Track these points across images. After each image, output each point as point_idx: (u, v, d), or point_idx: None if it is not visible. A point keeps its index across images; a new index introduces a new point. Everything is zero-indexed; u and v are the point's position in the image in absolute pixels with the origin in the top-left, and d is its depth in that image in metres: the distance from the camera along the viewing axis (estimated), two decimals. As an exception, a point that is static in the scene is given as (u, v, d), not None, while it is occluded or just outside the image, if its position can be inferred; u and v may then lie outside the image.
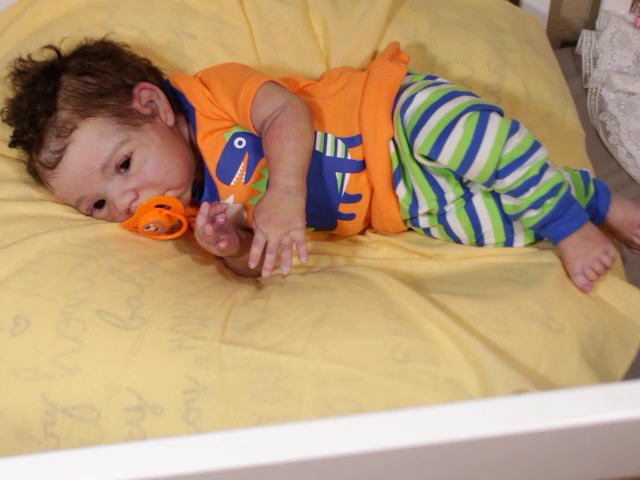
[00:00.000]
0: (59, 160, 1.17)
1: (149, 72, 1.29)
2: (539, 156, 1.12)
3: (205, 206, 1.15)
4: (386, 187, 1.23)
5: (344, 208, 1.26)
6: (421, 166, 1.19)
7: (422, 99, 1.16)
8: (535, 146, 1.12)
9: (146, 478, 0.72)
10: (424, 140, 1.14)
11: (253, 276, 1.23)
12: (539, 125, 1.41)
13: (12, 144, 1.25)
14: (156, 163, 1.19)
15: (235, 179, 1.24)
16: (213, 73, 1.27)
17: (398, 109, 1.19)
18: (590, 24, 1.83)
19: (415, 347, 1.03)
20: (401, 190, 1.23)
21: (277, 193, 1.13)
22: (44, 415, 1.02)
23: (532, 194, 1.12)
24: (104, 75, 1.22)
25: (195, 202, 1.27)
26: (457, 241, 1.24)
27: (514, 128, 1.13)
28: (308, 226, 1.22)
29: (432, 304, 1.07)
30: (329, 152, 1.23)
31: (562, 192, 1.12)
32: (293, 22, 1.43)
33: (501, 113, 1.17)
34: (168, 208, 1.20)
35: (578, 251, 1.13)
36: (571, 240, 1.14)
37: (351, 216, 1.27)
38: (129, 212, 1.19)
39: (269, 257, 1.11)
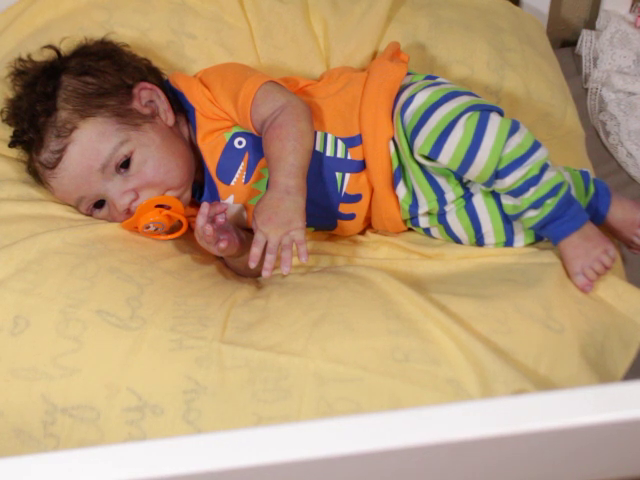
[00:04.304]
0: (59, 160, 1.17)
1: (149, 72, 1.29)
2: (539, 156, 1.12)
3: (205, 206, 1.16)
4: (386, 187, 1.23)
5: (344, 208, 1.26)
6: (421, 166, 1.19)
7: (422, 99, 1.16)
8: (535, 146, 1.12)
9: (146, 478, 0.72)
10: (424, 140, 1.14)
11: (253, 276, 1.23)
12: (539, 125, 1.41)
13: (12, 144, 1.25)
14: (156, 163, 1.19)
15: (235, 179, 1.24)
16: (213, 73, 1.27)
17: (398, 109, 1.19)
18: (590, 24, 1.83)
19: (415, 347, 1.03)
20: (401, 190, 1.23)
21: (277, 193, 1.13)
22: (44, 415, 1.02)
23: (532, 194, 1.12)
24: (104, 75, 1.22)
25: (195, 202, 1.27)
26: (457, 241, 1.24)
27: (514, 128, 1.12)
28: (308, 226, 1.22)
29: (432, 304, 1.07)
30: (329, 152, 1.23)
31: (562, 192, 1.12)
32: (293, 22, 1.43)
33: (501, 113, 1.17)
34: (168, 208, 1.20)
35: (578, 251, 1.13)
36: (571, 240, 1.13)
37: (351, 216, 1.27)
38: (129, 212, 1.19)
39: (269, 257, 1.11)
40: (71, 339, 1.04)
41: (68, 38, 1.31)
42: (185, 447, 0.74)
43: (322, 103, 1.26)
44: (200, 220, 1.15)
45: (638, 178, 1.56)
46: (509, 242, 1.21)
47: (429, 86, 1.19)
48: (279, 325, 1.07)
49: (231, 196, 1.25)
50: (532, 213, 1.13)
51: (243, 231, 1.25)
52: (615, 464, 0.85)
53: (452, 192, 1.20)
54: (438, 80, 1.26)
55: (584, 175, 1.25)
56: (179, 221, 1.22)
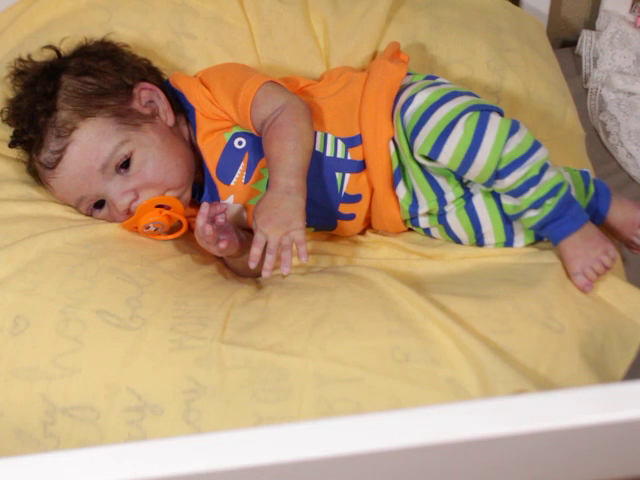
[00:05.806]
0: (59, 160, 1.17)
1: (149, 72, 1.29)
2: (539, 156, 1.12)
3: (205, 206, 1.16)
4: (386, 187, 1.23)
5: (344, 208, 1.26)
6: (421, 166, 1.19)
7: (422, 99, 1.16)
8: (535, 146, 1.12)
9: (146, 478, 0.72)
10: (424, 140, 1.14)
11: (253, 276, 1.23)
12: (539, 125, 1.41)
13: (12, 144, 1.25)
14: (156, 163, 1.19)
15: (235, 179, 1.24)
16: (213, 73, 1.27)
17: (398, 109, 1.19)
18: (590, 24, 1.83)
19: (415, 347, 1.03)
20: (401, 190, 1.23)
21: (277, 193, 1.13)
22: (44, 415, 1.02)
23: (532, 194, 1.12)
24: (104, 75, 1.22)
25: (195, 202, 1.27)
26: (457, 241, 1.24)
27: (514, 128, 1.12)
28: (308, 226, 1.22)
29: (432, 304, 1.07)
30: (329, 152, 1.23)
31: (562, 192, 1.12)
32: (293, 22, 1.43)
33: (501, 113, 1.17)
34: (168, 208, 1.20)
35: (578, 251, 1.13)
36: (571, 240, 1.13)
37: (351, 216, 1.27)
38: (129, 212, 1.19)
39: (269, 257, 1.11)
40: (71, 339, 1.05)
41: (68, 38, 1.31)
42: (185, 447, 0.74)
43: (322, 103, 1.26)
44: (200, 220, 1.15)
45: (638, 178, 1.56)
46: (509, 242, 1.21)
47: (429, 86, 1.19)
48: (279, 325, 1.07)
49: (231, 196, 1.25)
50: (532, 213, 1.13)
51: (243, 231, 1.25)
52: (615, 464, 0.85)
53: (452, 192, 1.20)
54: (438, 80, 1.26)
55: (584, 175, 1.25)
56: (179, 221, 1.22)
